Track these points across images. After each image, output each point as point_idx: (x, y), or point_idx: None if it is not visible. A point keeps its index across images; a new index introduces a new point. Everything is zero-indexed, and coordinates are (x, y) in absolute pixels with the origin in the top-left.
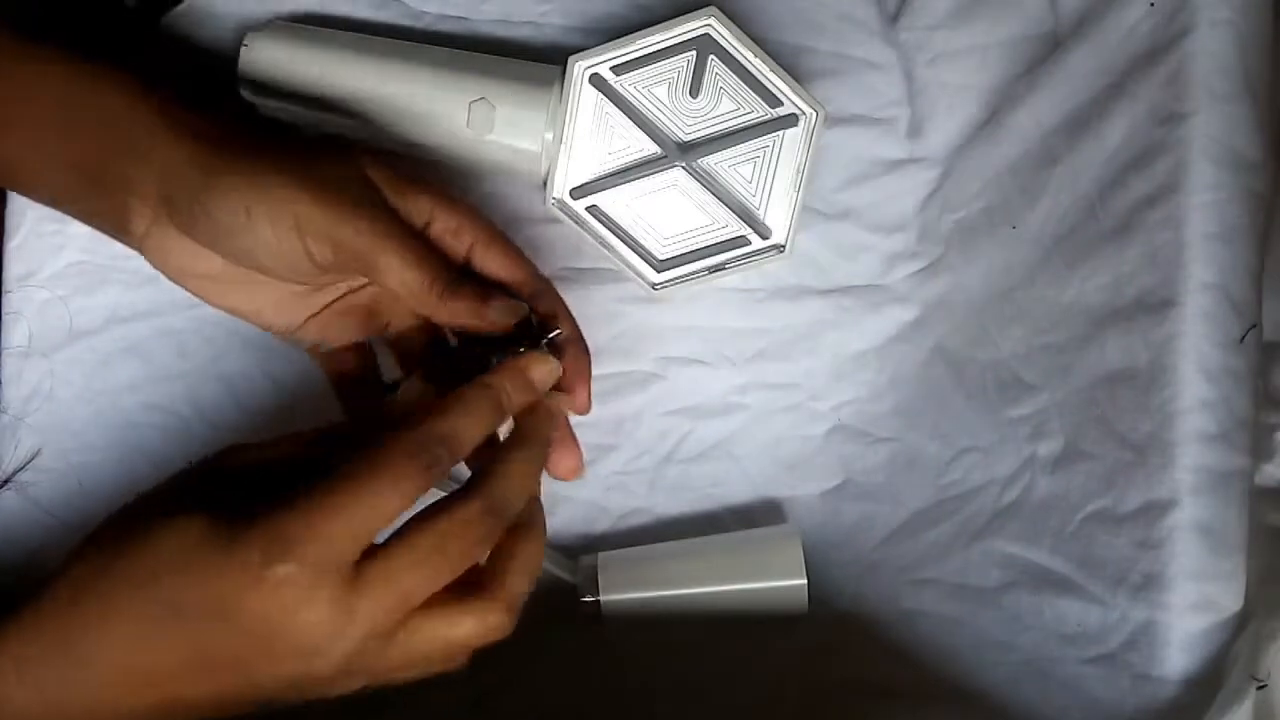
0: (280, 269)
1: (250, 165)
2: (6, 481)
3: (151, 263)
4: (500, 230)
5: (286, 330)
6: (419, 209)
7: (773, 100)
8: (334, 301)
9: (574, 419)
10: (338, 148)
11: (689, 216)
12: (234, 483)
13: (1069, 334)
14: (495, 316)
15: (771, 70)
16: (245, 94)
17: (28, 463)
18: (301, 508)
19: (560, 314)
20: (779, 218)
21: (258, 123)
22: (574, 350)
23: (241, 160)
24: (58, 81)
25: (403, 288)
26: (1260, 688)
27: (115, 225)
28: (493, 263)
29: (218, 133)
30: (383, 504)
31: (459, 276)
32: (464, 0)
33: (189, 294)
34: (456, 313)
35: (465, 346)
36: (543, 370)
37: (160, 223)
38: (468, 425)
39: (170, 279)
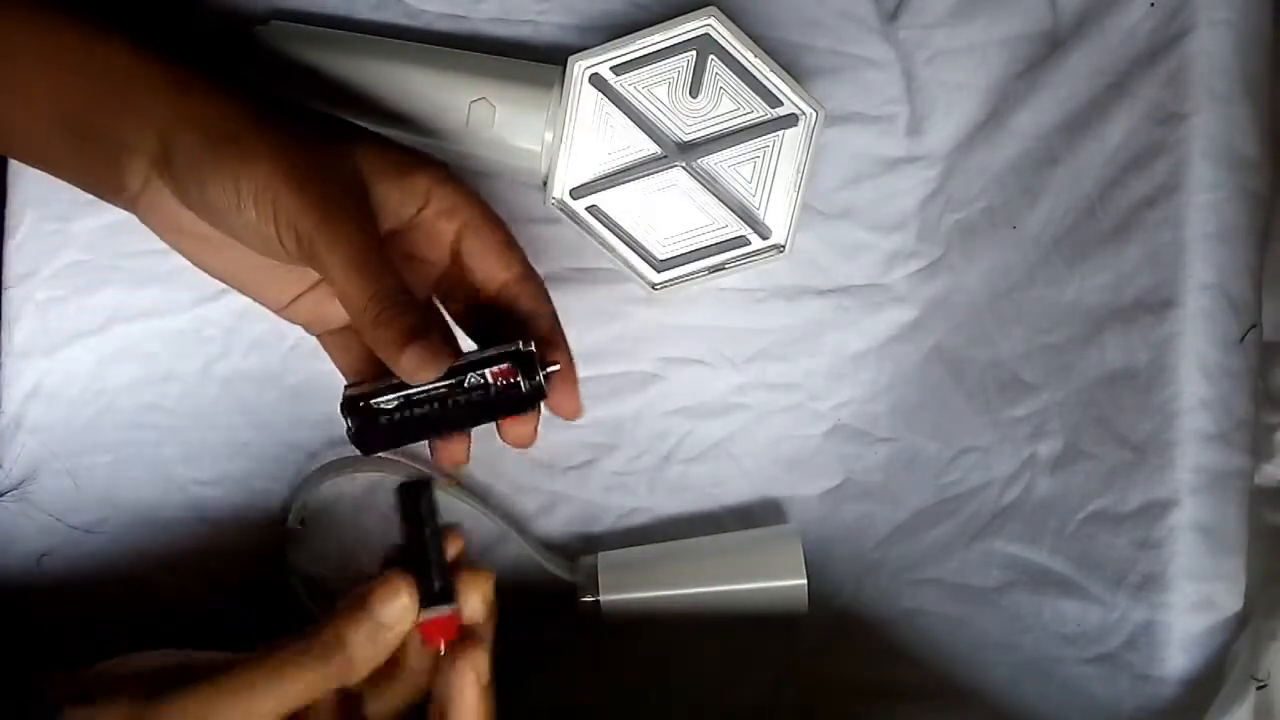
0: (260, 248)
1: (248, 139)
2: (4, 493)
3: (145, 222)
4: (497, 215)
5: (277, 304)
6: (415, 190)
7: (773, 100)
8: (323, 280)
9: (574, 420)
10: (340, 129)
11: (689, 216)
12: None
13: (1069, 334)
14: (405, 363)
15: (771, 70)
16: None
17: (20, 485)
18: (204, 693)
19: (542, 313)
20: (779, 217)
21: (262, 96)
22: (558, 359)
23: (241, 133)
24: (47, 36)
25: (343, 298)
26: (1260, 688)
27: (108, 185)
28: (478, 244)
29: (222, 99)
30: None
31: (405, 305)
32: None
33: (186, 291)
34: (378, 342)
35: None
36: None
37: (154, 182)
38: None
39: (163, 239)
